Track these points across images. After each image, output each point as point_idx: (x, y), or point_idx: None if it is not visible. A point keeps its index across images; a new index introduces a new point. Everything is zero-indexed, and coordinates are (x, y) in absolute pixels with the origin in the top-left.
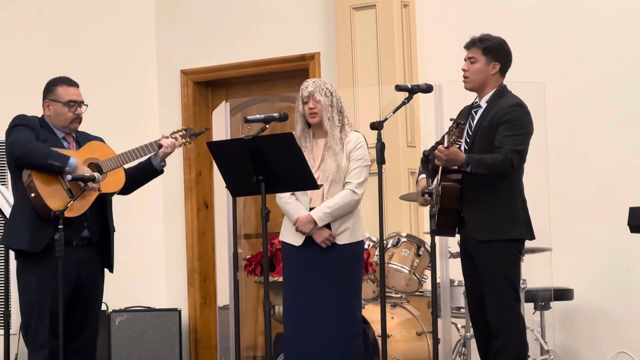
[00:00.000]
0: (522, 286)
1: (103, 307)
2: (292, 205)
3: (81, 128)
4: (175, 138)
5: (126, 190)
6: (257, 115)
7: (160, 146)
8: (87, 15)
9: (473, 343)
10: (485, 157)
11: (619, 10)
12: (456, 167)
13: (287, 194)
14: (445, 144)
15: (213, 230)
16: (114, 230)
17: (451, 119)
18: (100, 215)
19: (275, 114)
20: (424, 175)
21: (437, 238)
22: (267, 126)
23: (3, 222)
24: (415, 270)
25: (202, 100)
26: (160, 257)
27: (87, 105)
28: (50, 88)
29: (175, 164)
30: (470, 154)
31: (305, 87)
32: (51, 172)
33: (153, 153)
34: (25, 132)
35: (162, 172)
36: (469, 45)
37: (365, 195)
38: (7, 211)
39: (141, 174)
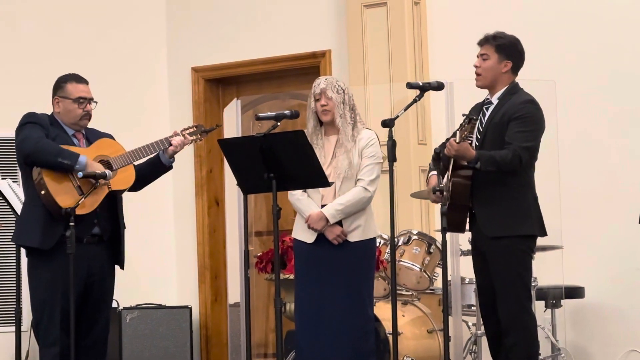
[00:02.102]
0: (533, 284)
1: (114, 305)
2: (304, 202)
3: (91, 125)
4: (184, 136)
5: (135, 186)
6: (268, 113)
7: (170, 143)
8: (98, 13)
9: (484, 341)
10: (494, 155)
11: (631, 7)
12: (465, 163)
13: (299, 191)
14: (458, 139)
15: (224, 228)
16: (125, 227)
17: (464, 115)
18: (111, 212)
19: (287, 112)
20: (434, 172)
21: (448, 236)
22: (278, 124)
23: (14, 218)
24: (426, 268)
25: (212, 97)
26: (171, 254)
27: (96, 102)
28: (60, 85)
29: (186, 162)
30: (480, 151)
31: (317, 84)
32: (61, 170)
33: (162, 150)
34: (35, 130)
35: (171, 168)
36: (482, 42)
37: (376, 192)
38: (19, 208)
39: (150, 171)
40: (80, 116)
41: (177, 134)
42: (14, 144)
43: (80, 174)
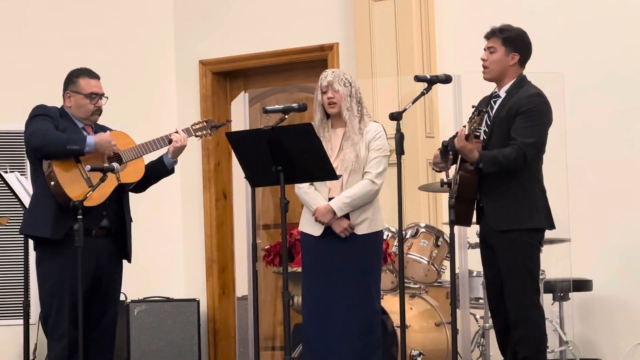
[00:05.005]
0: (541, 277)
1: (122, 297)
2: (311, 195)
3: (100, 119)
4: (188, 131)
5: (137, 188)
6: (276, 106)
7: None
8: (105, 7)
9: (492, 334)
10: (497, 155)
11: None
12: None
13: (306, 184)
14: (467, 131)
15: (232, 221)
16: (131, 221)
17: (473, 106)
18: (119, 205)
19: (294, 105)
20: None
21: (456, 228)
22: (286, 117)
23: (22, 211)
24: (434, 261)
25: (220, 90)
26: (179, 247)
27: (107, 98)
28: (72, 79)
29: (193, 155)
30: (482, 152)
31: (324, 77)
32: (71, 157)
33: (166, 148)
34: (43, 123)
35: (172, 172)
36: (489, 35)
37: (384, 185)
38: (27, 201)
39: (152, 172)
40: (91, 112)
41: (177, 133)
42: (22, 137)
43: (88, 167)
